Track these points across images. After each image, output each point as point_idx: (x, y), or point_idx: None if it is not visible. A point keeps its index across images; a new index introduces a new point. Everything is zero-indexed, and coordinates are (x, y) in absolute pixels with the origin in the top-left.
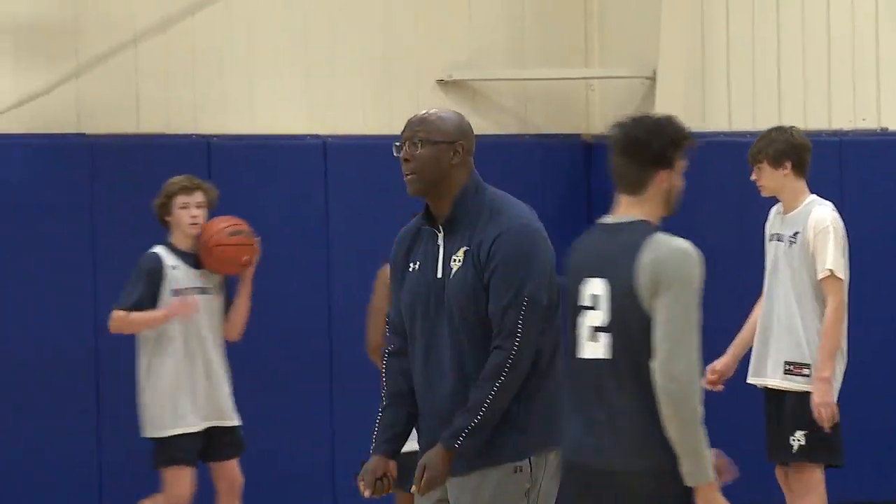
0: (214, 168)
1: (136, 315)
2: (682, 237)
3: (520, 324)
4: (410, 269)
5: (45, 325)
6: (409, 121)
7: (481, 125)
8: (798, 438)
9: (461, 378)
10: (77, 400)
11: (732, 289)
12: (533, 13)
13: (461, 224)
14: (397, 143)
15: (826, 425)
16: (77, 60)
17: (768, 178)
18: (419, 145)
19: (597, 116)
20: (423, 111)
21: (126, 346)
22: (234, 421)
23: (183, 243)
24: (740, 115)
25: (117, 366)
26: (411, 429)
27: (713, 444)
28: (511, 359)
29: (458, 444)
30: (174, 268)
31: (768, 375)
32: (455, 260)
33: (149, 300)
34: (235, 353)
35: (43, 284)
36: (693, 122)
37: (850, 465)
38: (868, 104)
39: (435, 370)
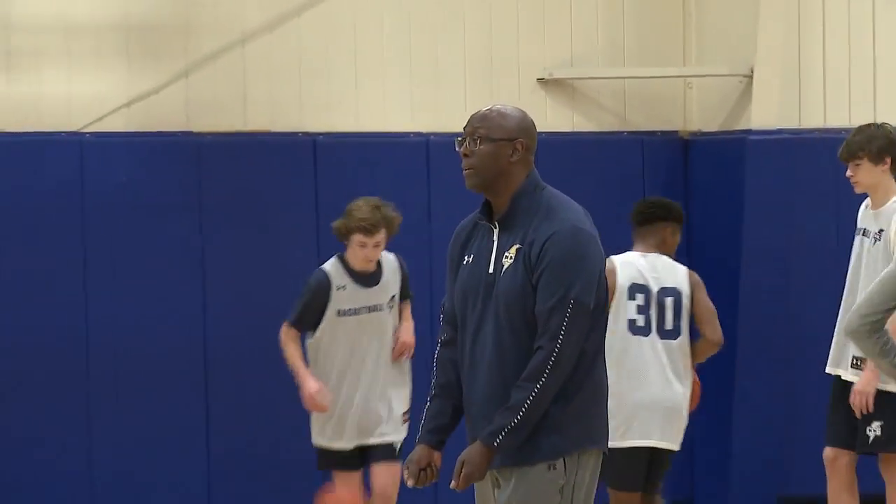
0: (320, 165)
1: (289, 353)
2: (779, 236)
3: (564, 326)
4: (465, 262)
5: (155, 318)
6: (471, 116)
7: (580, 122)
8: (874, 429)
9: (501, 374)
10: (186, 392)
11: (828, 286)
12: (632, 12)
13: (517, 222)
14: (459, 139)
15: (857, 412)
16: (186, 60)
17: (866, 174)
18: (479, 142)
19: (694, 114)
20: (487, 107)
21: (233, 340)
22: (385, 438)
23: (357, 263)
24: (835, 113)
25: (225, 358)
26: (458, 420)
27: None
28: (553, 360)
29: (497, 442)
30: (341, 288)
31: (843, 367)
32: (507, 257)
33: (311, 319)
34: None
35: (152, 278)
36: (789, 119)
37: None
38: None
39: (479, 363)
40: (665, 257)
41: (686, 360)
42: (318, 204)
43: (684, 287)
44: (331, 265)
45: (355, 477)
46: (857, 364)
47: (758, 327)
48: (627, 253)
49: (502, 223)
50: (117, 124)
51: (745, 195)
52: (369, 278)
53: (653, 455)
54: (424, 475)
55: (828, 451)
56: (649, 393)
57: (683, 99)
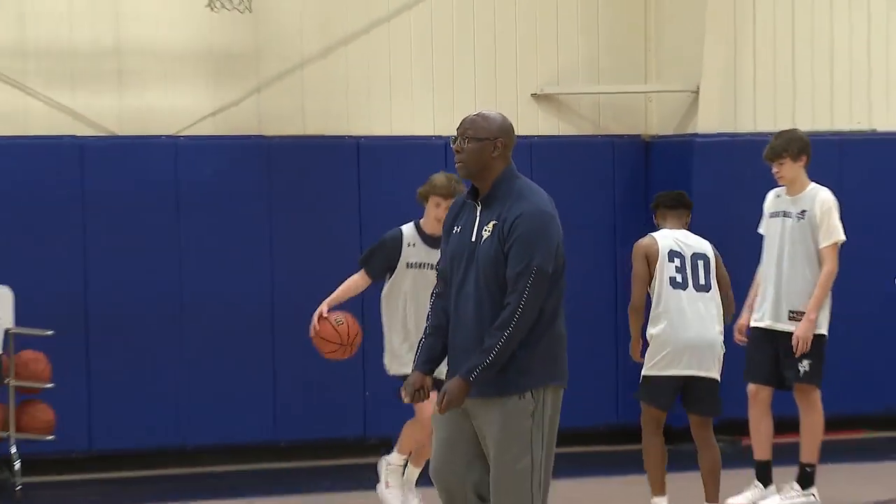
0: (362, 162)
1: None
2: (719, 218)
3: (527, 288)
4: (454, 232)
5: (235, 284)
6: (462, 120)
7: (564, 128)
8: (804, 366)
9: (479, 323)
10: (255, 341)
11: (755, 262)
12: (604, 41)
13: (495, 202)
14: (453, 138)
15: (797, 352)
16: (258, 80)
17: (789, 170)
18: (467, 141)
19: (654, 121)
20: (475, 113)
21: (293, 301)
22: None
23: (428, 227)
24: (763, 120)
25: (287, 313)
26: (445, 355)
27: None
28: (518, 313)
29: (472, 377)
30: (411, 245)
31: (782, 321)
32: (486, 230)
33: (378, 263)
34: None
35: (231, 252)
36: (727, 125)
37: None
38: (862, 108)
39: (462, 313)
40: (689, 232)
41: (717, 308)
42: (360, 192)
43: (710, 253)
44: (406, 227)
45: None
46: (794, 317)
47: None
48: (661, 230)
49: (484, 203)
50: (205, 129)
51: (693, 185)
52: (435, 241)
53: (692, 382)
54: (418, 395)
55: (751, 387)
56: (688, 334)
57: (645, 110)
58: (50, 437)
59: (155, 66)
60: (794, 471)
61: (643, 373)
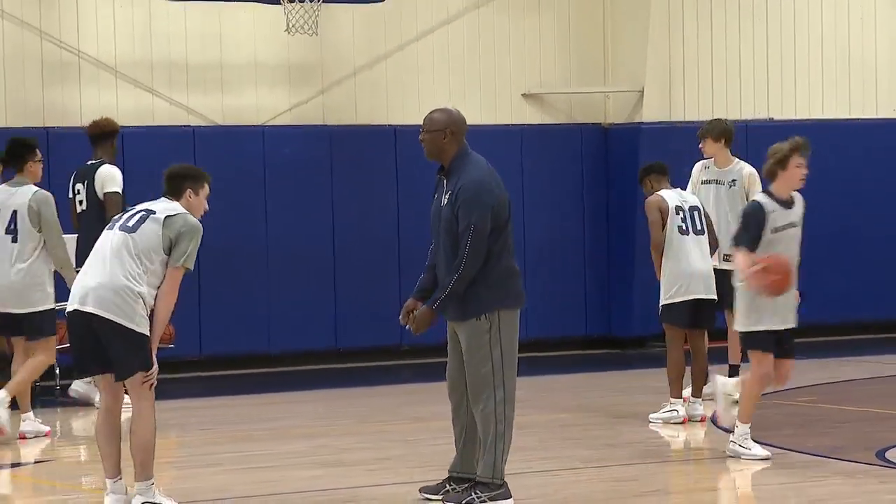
0: (399, 146)
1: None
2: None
3: (469, 241)
4: (434, 198)
5: (307, 239)
6: (425, 117)
7: (546, 118)
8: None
9: (446, 266)
10: (320, 275)
11: None
12: (574, 53)
13: (451, 176)
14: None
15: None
16: (322, 83)
17: (710, 147)
18: (425, 132)
19: (611, 113)
20: (433, 110)
21: (350, 252)
22: None
23: (781, 192)
24: (691, 111)
25: (345, 255)
26: (434, 288)
27: None
28: (464, 260)
29: (434, 306)
30: (772, 211)
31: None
32: (446, 197)
33: (755, 239)
34: None
35: (303, 216)
36: (664, 116)
37: None
38: (762, 101)
39: (438, 259)
40: (680, 189)
41: (707, 246)
42: (397, 168)
43: (699, 205)
44: (761, 196)
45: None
46: (728, 258)
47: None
48: (663, 190)
49: (446, 177)
50: (284, 121)
51: (639, 161)
52: (789, 202)
53: (701, 303)
54: (409, 318)
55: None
56: (695, 268)
57: (605, 104)
58: (171, 346)
59: (247, 73)
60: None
61: (663, 302)
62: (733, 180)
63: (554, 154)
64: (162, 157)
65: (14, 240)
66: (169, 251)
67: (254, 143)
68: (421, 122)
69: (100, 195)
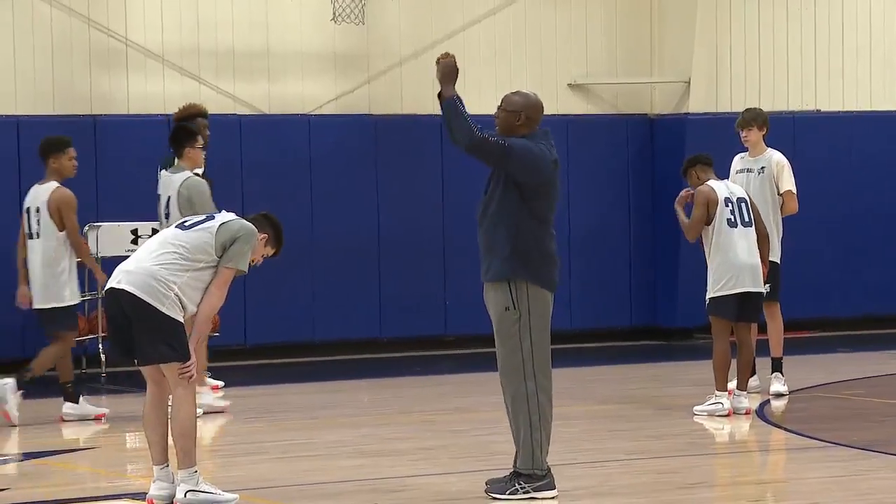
0: (444, 135)
1: None
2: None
3: (496, 136)
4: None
5: (348, 221)
6: (504, 95)
7: (592, 109)
8: (766, 286)
9: (488, 235)
10: (364, 264)
11: None
12: (621, 44)
13: None
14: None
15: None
16: (368, 73)
17: (755, 136)
18: (501, 109)
19: (657, 104)
20: (514, 91)
21: (395, 231)
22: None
23: None
24: (736, 102)
25: (390, 243)
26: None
27: None
28: (476, 128)
29: (443, 104)
30: None
31: None
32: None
33: None
34: None
35: (347, 201)
36: (709, 107)
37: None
38: (810, 93)
39: (480, 235)
40: (728, 181)
41: (755, 237)
42: (442, 157)
43: (746, 196)
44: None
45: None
46: None
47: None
48: (711, 181)
49: None
50: (329, 110)
51: (685, 152)
52: None
53: (748, 296)
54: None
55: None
56: (742, 260)
57: (651, 95)
58: (216, 334)
59: (294, 63)
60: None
61: (711, 295)
62: (762, 167)
63: (599, 144)
64: (209, 146)
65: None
66: (222, 254)
67: (299, 132)
68: (471, 112)
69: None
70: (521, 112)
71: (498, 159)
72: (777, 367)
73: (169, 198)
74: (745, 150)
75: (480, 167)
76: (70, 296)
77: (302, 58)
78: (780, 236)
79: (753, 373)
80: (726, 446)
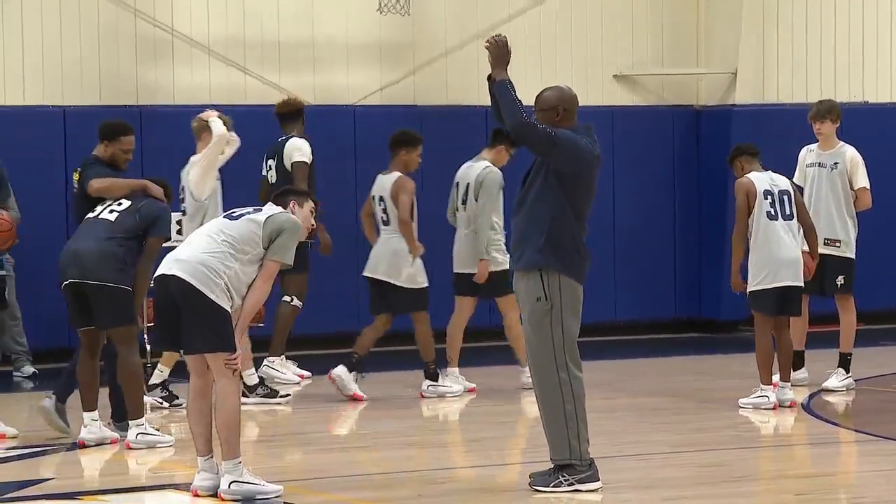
0: (489, 125)
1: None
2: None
3: (547, 127)
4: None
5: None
6: (537, 95)
7: (637, 100)
8: (840, 280)
9: (524, 221)
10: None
11: None
12: (667, 35)
13: None
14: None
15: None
16: (413, 64)
17: (829, 129)
18: (537, 111)
19: (702, 95)
20: (545, 88)
21: (439, 218)
22: None
23: None
24: (783, 94)
25: (435, 231)
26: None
27: None
28: (531, 122)
29: (497, 78)
30: None
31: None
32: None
33: None
34: None
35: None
36: (756, 98)
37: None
38: (857, 84)
39: (516, 222)
40: (772, 172)
41: (799, 231)
42: (488, 140)
43: (790, 188)
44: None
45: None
46: (827, 242)
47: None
48: (753, 173)
49: None
50: (374, 100)
51: (731, 143)
52: None
53: (788, 290)
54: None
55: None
56: (783, 255)
57: (696, 86)
58: (260, 325)
59: (339, 53)
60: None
61: (751, 289)
62: (835, 163)
63: (645, 136)
64: (253, 137)
65: (464, 210)
66: (268, 245)
67: (344, 122)
68: None
69: (288, 167)
70: (557, 107)
71: (545, 147)
72: (843, 363)
73: (468, 184)
74: (806, 141)
75: (523, 158)
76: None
77: (347, 48)
78: (856, 232)
79: (802, 365)
80: (771, 439)
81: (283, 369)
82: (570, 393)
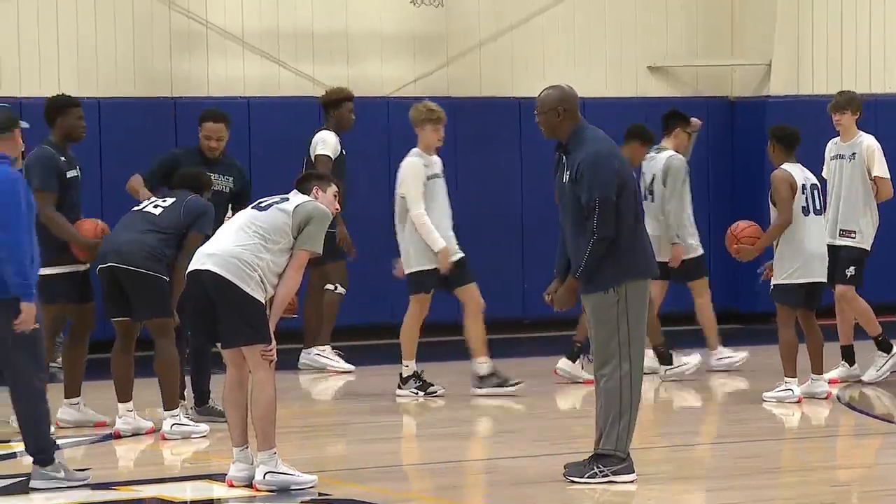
0: (523, 117)
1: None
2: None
3: (596, 217)
4: (556, 177)
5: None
6: (537, 97)
7: (671, 91)
8: (850, 270)
9: (573, 244)
10: (506, 246)
11: None
12: (701, 25)
13: (571, 153)
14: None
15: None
16: (447, 55)
17: (848, 120)
18: (538, 113)
19: (737, 86)
20: (543, 88)
21: (472, 212)
22: None
23: None
24: (818, 85)
25: (468, 225)
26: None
27: None
28: (595, 231)
29: (576, 275)
30: None
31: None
32: (567, 175)
33: None
34: None
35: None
36: (791, 89)
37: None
38: (892, 73)
39: (567, 234)
40: (801, 166)
41: (824, 228)
42: (520, 140)
43: (818, 182)
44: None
45: None
46: (843, 233)
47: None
48: (787, 165)
49: (565, 153)
50: (408, 92)
51: (765, 134)
52: None
53: (815, 285)
54: (550, 296)
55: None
56: (813, 250)
57: (731, 77)
58: (294, 316)
59: (373, 45)
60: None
61: (778, 281)
62: (853, 153)
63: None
64: (287, 128)
65: (651, 200)
66: (297, 235)
67: (378, 114)
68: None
69: (312, 158)
70: (557, 107)
71: (612, 214)
72: (883, 345)
73: (654, 176)
74: (834, 132)
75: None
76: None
77: (381, 40)
78: (876, 224)
79: (853, 360)
80: (808, 431)
81: (333, 358)
82: (628, 386)
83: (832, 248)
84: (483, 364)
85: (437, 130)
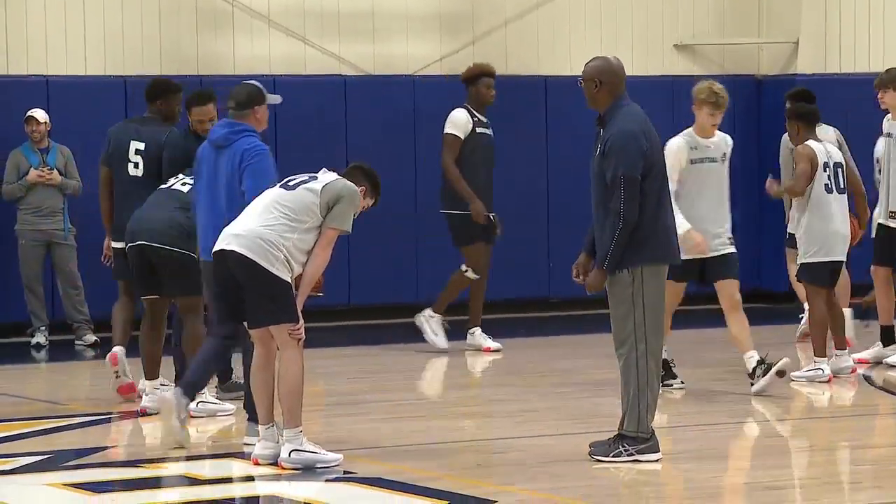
0: (549, 95)
1: None
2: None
3: (622, 191)
4: (593, 147)
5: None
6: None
7: (698, 70)
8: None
9: (599, 220)
10: (533, 224)
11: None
12: (728, 3)
13: (606, 126)
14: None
15: None
16: (473, 34)
17: (892, 98)
18: (580, 82)
19: (764, 64)
20: (590, 59)
21: (503, 197)
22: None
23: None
24: (845, 63)
25: (498, 212)
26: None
27: None
28: (621, 212)
29: (604, 265)
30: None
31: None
32: (599, 146)
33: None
34: None
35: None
36: (818, 68)
37: None
38: None
39: (593, 210)
40: (827, 143)
41: (847, 206)
42: (546, 117)
43: (842, 160)
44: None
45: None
46: (892, 214)
47: None
48: (811, 142)
49: (601, 126)
50: (434, 70)
51: None
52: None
53: (836, 265)
54: (581, 276)
55: (871, 268)
56: (836, 228)
57: (758, 56)
58: (320, 294)
59: (399, 24)
60: None
61: (804, 260)
62: None
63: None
64: (314, 107)
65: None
66: (326, 214)
67: (404, 92)
68: (571, 74)
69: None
70: (595, 79)
71: (636, 190)
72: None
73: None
74: (872, 111)
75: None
76: None
77: (407, 18)
78: None
79: (894, 341)
80: (833, 410)
81: (436, 329)
82: (645, 367)
83: (886, 229)
84: (751, 358)
85: (712, 115)
